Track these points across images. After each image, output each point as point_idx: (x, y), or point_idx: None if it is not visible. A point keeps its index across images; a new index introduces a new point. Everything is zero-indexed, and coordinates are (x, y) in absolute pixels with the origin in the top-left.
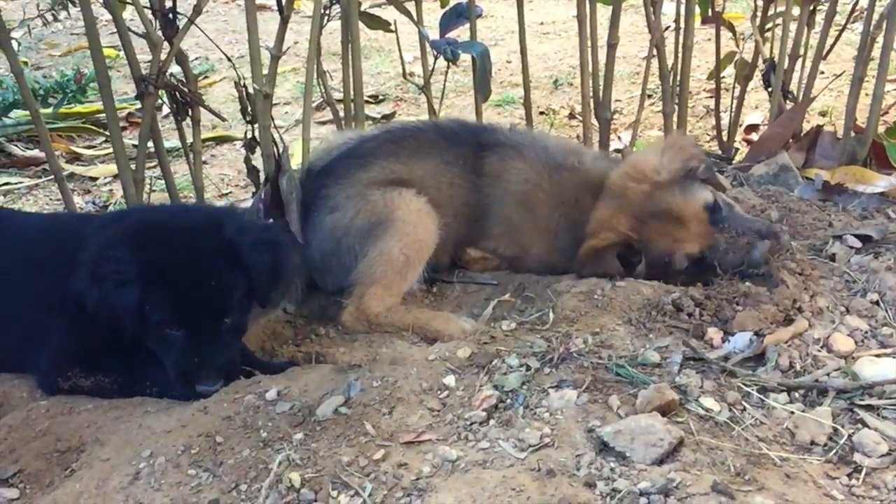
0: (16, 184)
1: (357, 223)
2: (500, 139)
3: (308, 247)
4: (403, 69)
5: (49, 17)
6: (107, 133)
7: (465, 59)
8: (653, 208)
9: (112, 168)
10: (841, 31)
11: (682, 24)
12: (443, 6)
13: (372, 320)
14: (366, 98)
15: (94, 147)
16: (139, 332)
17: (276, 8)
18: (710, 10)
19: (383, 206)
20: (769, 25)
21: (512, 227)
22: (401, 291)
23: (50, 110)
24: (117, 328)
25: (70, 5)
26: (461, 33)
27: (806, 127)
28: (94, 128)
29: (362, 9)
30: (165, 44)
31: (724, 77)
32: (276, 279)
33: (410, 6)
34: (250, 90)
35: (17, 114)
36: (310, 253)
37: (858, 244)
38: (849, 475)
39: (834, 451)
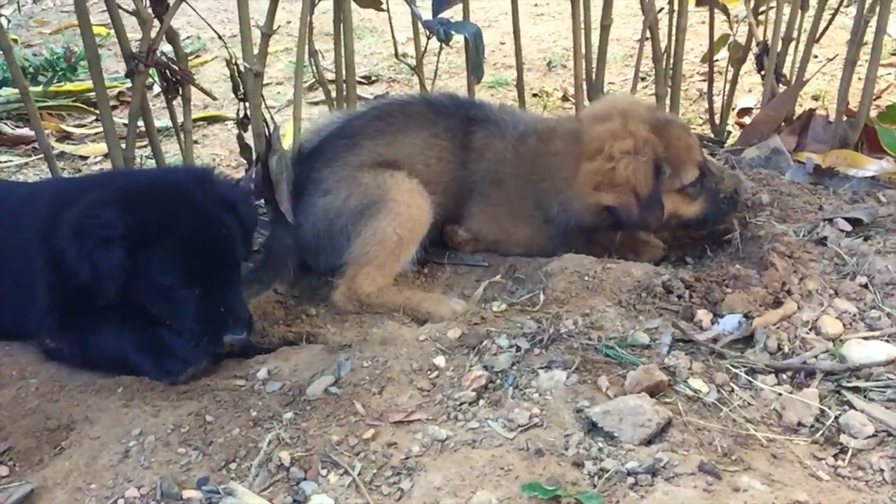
0: (5, 162)
1: (350, 204)
2: (488, 115)
3: (300, 228)
4: (396, 49)
5: None
6: (97, 111)
7: (458, 39)
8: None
9: (102, 147)
10: (834, 15)
11: (676, 7)
12: None
13: (363, 300)
14: (358, 79)
15: (84, 125)
16: (130, 295)
17: None
18: None
19: (375, 187)
20: (763, 8)
21: (491, 208)
22: (393, 272)
23: (40, 88)
24: (97, 289)
25: None
26: (454, 14)
27: (798, 110)
28: (84, 106)
29: None
30: (156, 21)
31: (717, 60)
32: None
33: None
34: (241, 69)
35: (7, 91)
36: (302, 234)
37: (849, 227)
38: (835, 456)
39: (820, 432)
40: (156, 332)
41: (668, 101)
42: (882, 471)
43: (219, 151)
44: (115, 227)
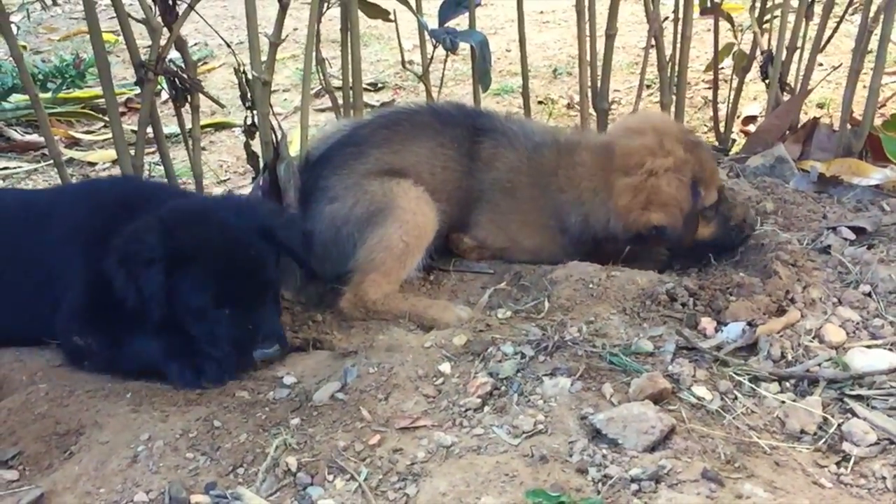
0: (14, 168)
1: (356, 212)
2: (495, 125)
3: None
4: (402, 58)
5: (48, 1)
6: (105, 118)
7: (465, 47)
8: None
9: (110, 153)
10: (839, 24)
11: (681, 15)
12: None
13: (369, 307)
14: (364, 86)
15: (92, 132)
16: (171, 316)
17: None
18: (708, 1)
19: (382, 195)
20: (767, 17)
21: (499, 216)
22: (399, 278)
23: (49, 95)
24: (145, 311)
25: None
26: (460, 22)
27: (803, 119)
28: (92, 113)
29: None
30: (165, 30)
31: (722, 68)
32: (308, 251)
33: None
34: (249, 77)
35: (16, 98)
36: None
37: (852, 236)
38: (837, 464)
39: (823, 440)
40: (188, 338)
41: (672, 109)
42: (885, 478)
43: (226, 158)
44: (155, 251)
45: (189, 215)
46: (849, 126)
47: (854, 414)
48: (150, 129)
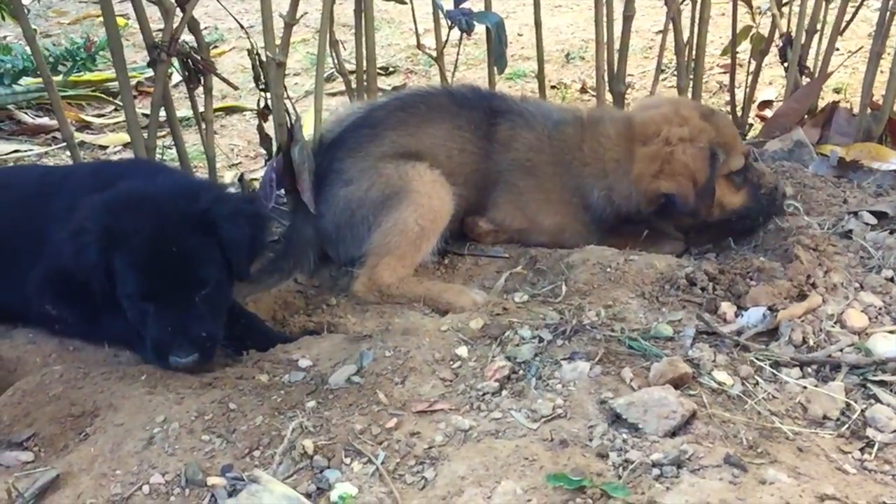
0: (26, 151)
1: (371, 195)
2: (511, 107)
3: (322, 218)
4: (418, 39)
5: None
6: (117, 102)
7: (477, 32)
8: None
9: (122, 136)
10: (858, 7)
11: None
12: None
13: (384, 290)
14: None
15: (103, 115)
16: (111, 297)
17: None
18: None
19: (397, 178)
20: (786, 0)
21: (518, 197)
22: (414, 262)
23: (60, 78)
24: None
25: None
26: (474, 4)
27: (820, 104)
28: (103, 96)
29: None
30: (178, 11)
31: (738, 52)
32: (253, 252)
33: None
34: (263, 58)
35: (27, 81)
36: (323, 224)
37: (874, 220)
38: (861, 450)
39: (846, 425)
40: None
41: (689, 94)
42: None
43: (237, 142)
44: (90, 229)
45: (128, 198)
46: (868, 110)
47: (877, 400)
48: (162, 112)
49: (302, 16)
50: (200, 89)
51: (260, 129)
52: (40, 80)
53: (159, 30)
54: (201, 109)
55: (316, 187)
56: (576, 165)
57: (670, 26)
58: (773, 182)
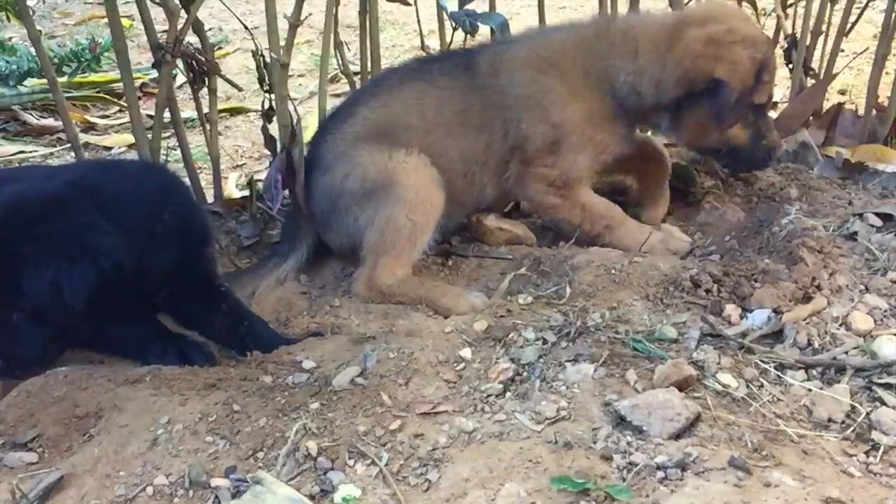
0: (30, 152)
1: (349, 185)
2: (488, 44)
3: (312, 205)
4: (422, 40)
5: None
6: (121, 103)
7: (481, 33)
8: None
9: (126, 137)
10: (863, 9)
11: None
12: None
13: (385, 291)
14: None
15: (108, 116)
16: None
17: None
18: None
19: (375, 171)
20: (791, 1)
21: (535, 106)
22: (412, 259)
23: (65, 79)
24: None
25: None
26: (478, 6)
27: (825, 105)
28: (108, 97)
29: None
30: (182, 12)
31: None
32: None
33: None
34: (267, 60)
35: (32, 82)
36: (312, 211)
37: (879, 223)
38: (866, 453)
39: (851, 428)
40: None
41: None
42: None
43: (241, 143)
44: None
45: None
46: (874, 112)
47: (883, 402)
48: (167, 113)
49: (306, 17)
50: (205, 90)
51: (264, 130)
52: (45, 81)
53: (164, 31)
54: (206, 110)
55: (306, 174)
56: (598, 56)
57: None
58: (776, 142)
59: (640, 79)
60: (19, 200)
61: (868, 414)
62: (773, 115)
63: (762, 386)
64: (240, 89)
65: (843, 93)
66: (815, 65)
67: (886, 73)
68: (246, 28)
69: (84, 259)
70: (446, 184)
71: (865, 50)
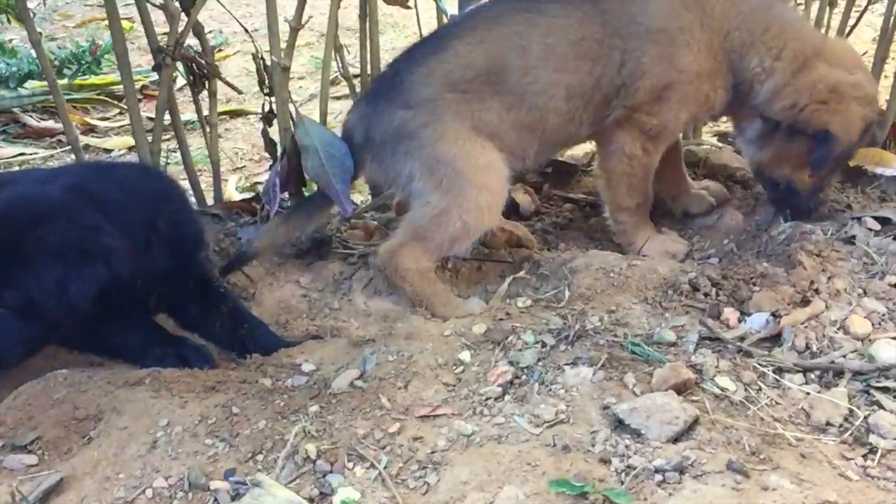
0: (31, 154)
1: (423, 139)
2: None
3: (372, 125)
4: None
5: None
6: (121, 105)
7: None
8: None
9: (126, 140)
10: (862, 12)
11: None
12: None
13: (400, 272)
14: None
15: (108, 119)
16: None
17: None
18: None
19: (453, 155)
20: (790, 4)
21: (666, 39)
22: (442, 256)
23: (65, 81)
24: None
25: None
26: None
27: None
28: (108, 99)
29: None
30: (182, 14)
31: None
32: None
33: None
34: (268, 62)
35: (32, 84)
36: (371, 131)
37: (877, 226)
38: (864, 456)
39: (849, 432)
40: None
41: None
42: None
43: (241, 145)
44: None
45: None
46: None
47: (881, 406)
48: (167, 116)
49: (307, 20)
50: (205, 93)
51: (265, 133)
52: (45, 83)
53: (164, 33)
54: (206, 113)
55: (370, 101)
56: (753, 27)
57: None
58: (826, 200)
59: (766, 78)
60: (22, 201)
61: (866, 417)
62: None
63: (760, 389)
64: (240, 92)
65: None
66: None
67: (885, 77)
68: (246, 31)
69: (91, 260)
70: (540, 124)
71: (864, 53)
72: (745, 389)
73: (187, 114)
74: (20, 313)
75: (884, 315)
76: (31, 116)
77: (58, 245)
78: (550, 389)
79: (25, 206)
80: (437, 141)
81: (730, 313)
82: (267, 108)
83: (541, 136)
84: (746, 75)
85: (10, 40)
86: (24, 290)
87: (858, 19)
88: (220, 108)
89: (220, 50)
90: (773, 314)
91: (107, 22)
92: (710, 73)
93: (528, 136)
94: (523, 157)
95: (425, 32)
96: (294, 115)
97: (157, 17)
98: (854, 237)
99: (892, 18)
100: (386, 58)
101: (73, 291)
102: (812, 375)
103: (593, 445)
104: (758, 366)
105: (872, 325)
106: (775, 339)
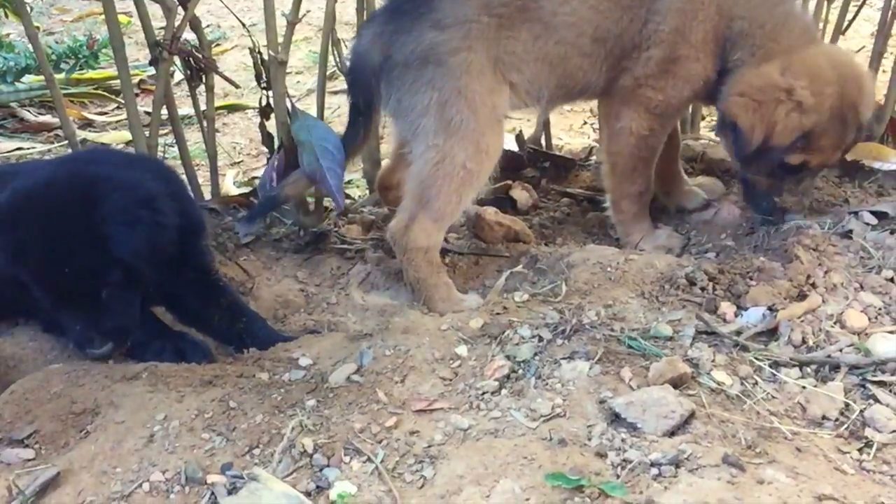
0: (28, 149)
1: (452, 67)
2: None
3: (395, 48)
4: None
5: None
6: (119, 99)
7: None
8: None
9: (123, 134)
10: (860, 7)
11: None
12: None
13: (410, 251)
14: None
15: (105, 113)
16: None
17: None
18: None
19: (473, 90)
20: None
21: (690, 10)
22: (453, 216)
23: (62, 76)
24: None
25: None
26: None
27: None
28: (106, 94)
29: None
30: (179, 9)
31: None
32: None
33: None
34: (265, 57)
35: (30, 79)
36: (394, 55)
37: (874, 221)
38: (860, 450)
39: (845, 425)
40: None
41: None
42: None
43: (239, 140)
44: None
45: (34, 182)
46: None
47: (876, 400)
48: (164, 110)
49: (304, 14)
50: (202, 87)
51: (262, 127)
52: (43, 77)
53: (161, 28)
54: (203, 107)
55: (393, 15)
56: (739, 26)
57: None
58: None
59: (734, 70)
60: (69, 186)
61: (862, 411)
62: None
63: (756, 383)
64: (237, 86)
65: None
66: None
67: (883, 71)
68: (243, 25)
69: (154, 212)
70: (563, 61)
71: (862, 48)
72: (742, 383)
73: (185, 108)
74: (124, 283)
75: (880, 309)
76: (28, 111)
77: (125, 208)
78: (547, 383)
79: (81, 188)
80: (463, 73)
81: (726, 307)
82: (264, 103)
83: (560, 75)
84: (727, 65)
85: (8, 34)
86: (118, 262)
87: (856, 14)
88: (218, 103)
89: (217, 44)
90: (769, 308)
91: (104, 16)
92: (710, 54)
93: (547, 72)
94: (538, 96)
95: None
96: (291, 110)
97: (155, 11)
98: (851, 231)
99: (890, 13)
100: None
101: (158, 240)
102: (808, 369)
103: (590, 439)
104: (754, 360)
105: (869, 319)
106: (772, 334)
